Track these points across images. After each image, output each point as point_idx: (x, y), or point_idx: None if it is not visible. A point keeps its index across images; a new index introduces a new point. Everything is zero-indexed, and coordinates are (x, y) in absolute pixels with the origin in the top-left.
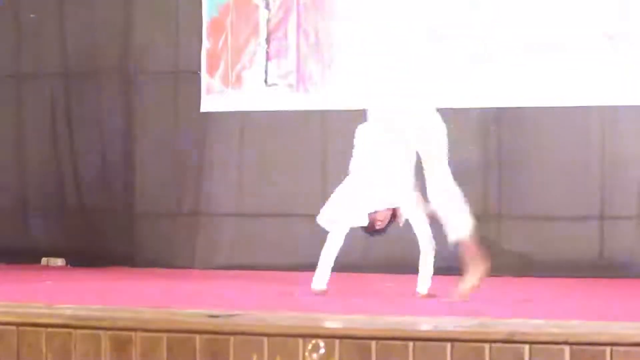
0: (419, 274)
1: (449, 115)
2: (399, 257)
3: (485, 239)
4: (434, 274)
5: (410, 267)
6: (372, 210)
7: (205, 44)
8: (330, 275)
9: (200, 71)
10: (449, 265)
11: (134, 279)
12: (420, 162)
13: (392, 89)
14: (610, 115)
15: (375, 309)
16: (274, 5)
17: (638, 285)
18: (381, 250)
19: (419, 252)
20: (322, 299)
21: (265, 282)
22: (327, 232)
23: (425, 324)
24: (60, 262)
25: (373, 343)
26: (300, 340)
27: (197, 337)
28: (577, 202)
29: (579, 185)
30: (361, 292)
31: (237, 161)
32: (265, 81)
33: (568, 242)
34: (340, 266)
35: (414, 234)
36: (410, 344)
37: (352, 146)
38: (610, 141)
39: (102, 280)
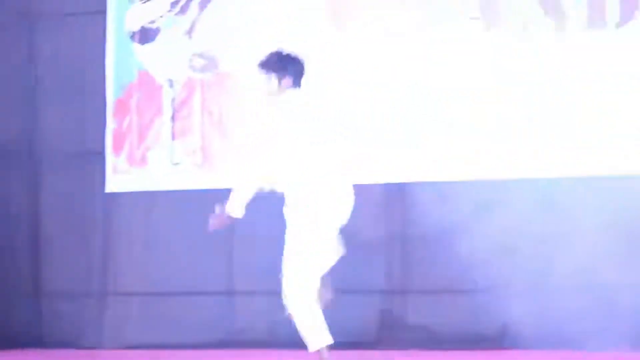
0: None
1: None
2: None
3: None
4: None
5: None
6: None
7: (111, 124)
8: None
9: (104, 151)
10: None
11: None
12: None
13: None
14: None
15: None
16: (177, 85)
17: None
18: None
19: None
20: None
21: None
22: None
23: None
24: None
25: None
26: None
27: None
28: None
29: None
30: None
31: (144, 241)
32: (171, 160)
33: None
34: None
35: None
36: None
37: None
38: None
39: None
